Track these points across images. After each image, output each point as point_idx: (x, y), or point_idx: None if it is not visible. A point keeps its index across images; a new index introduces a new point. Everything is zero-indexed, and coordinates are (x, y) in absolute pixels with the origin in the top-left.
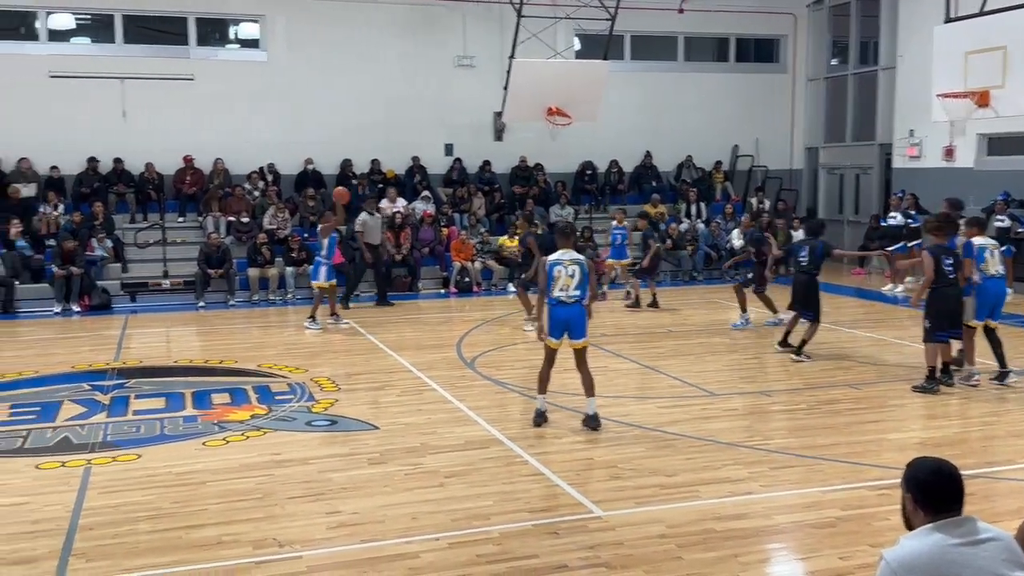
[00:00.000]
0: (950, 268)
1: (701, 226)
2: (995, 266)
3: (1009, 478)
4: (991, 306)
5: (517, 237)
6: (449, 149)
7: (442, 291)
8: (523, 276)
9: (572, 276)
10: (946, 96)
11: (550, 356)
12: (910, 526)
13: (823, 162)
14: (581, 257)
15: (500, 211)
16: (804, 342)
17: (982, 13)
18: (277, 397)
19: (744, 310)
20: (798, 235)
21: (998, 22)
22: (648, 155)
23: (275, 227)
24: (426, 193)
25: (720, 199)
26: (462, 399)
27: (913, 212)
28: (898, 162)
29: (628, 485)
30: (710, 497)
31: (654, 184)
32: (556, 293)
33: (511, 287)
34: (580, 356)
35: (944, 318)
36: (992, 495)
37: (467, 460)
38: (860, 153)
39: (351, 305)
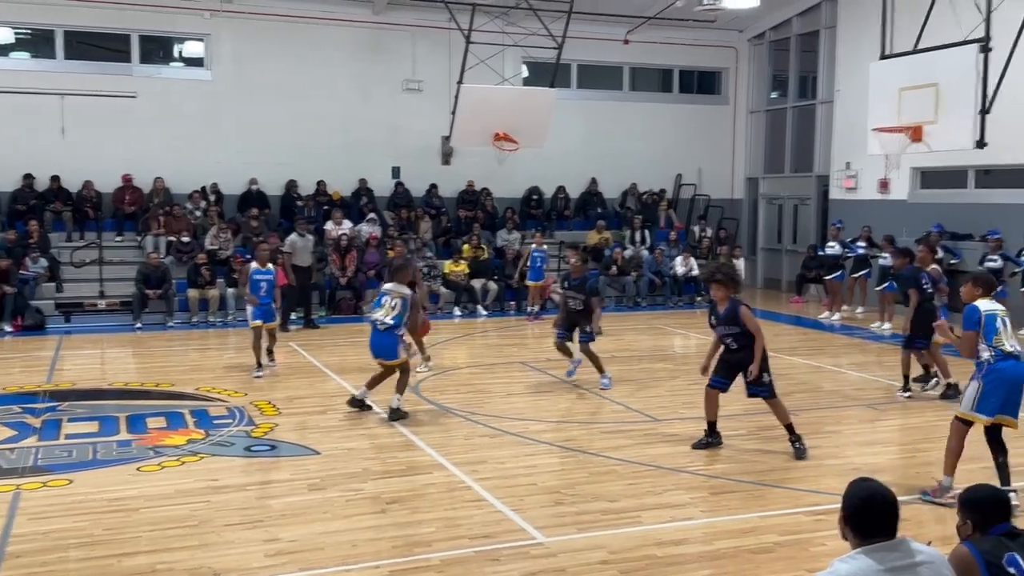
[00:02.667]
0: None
1: (645, 253)
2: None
3: (940, 503)
4: None
5: (464, 261)
6: (396, 172)
7: None
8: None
9: (394, 308)
10: (881, 130)
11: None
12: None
13: (763, 192)
14: (408, 292)
15: (447, 235)
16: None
17: (916, 51)
18: (215, 421)
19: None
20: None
21: (931, 60)
22: (594, 181)
23: (216, 247)
24: (372, 215)
25: (664, 226)
26: (405, 424)
27: (863, 244)
28: (835, 193)
29: (571, 511)
30: (652, 523)
31: (599, 210)
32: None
33: (456, 311)
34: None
35: None
36: (924, 521)
37: (410, 486)
38: (798, 184)
39: (290, 328)
